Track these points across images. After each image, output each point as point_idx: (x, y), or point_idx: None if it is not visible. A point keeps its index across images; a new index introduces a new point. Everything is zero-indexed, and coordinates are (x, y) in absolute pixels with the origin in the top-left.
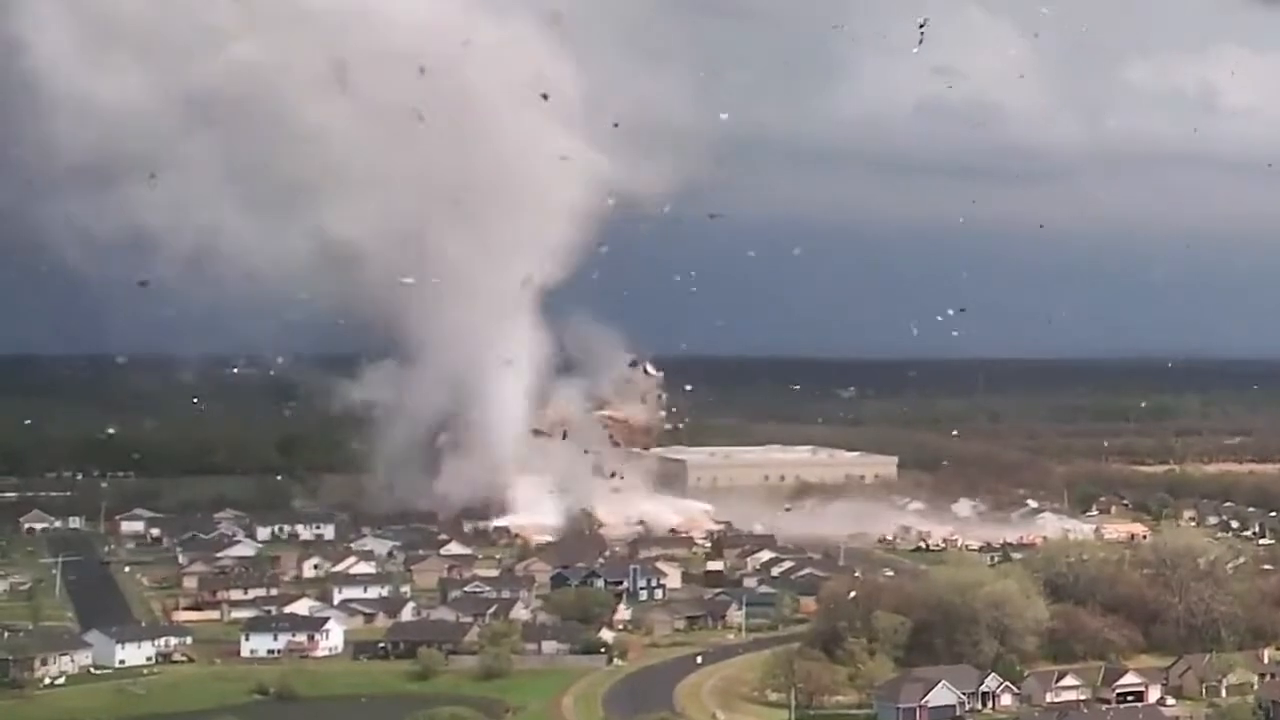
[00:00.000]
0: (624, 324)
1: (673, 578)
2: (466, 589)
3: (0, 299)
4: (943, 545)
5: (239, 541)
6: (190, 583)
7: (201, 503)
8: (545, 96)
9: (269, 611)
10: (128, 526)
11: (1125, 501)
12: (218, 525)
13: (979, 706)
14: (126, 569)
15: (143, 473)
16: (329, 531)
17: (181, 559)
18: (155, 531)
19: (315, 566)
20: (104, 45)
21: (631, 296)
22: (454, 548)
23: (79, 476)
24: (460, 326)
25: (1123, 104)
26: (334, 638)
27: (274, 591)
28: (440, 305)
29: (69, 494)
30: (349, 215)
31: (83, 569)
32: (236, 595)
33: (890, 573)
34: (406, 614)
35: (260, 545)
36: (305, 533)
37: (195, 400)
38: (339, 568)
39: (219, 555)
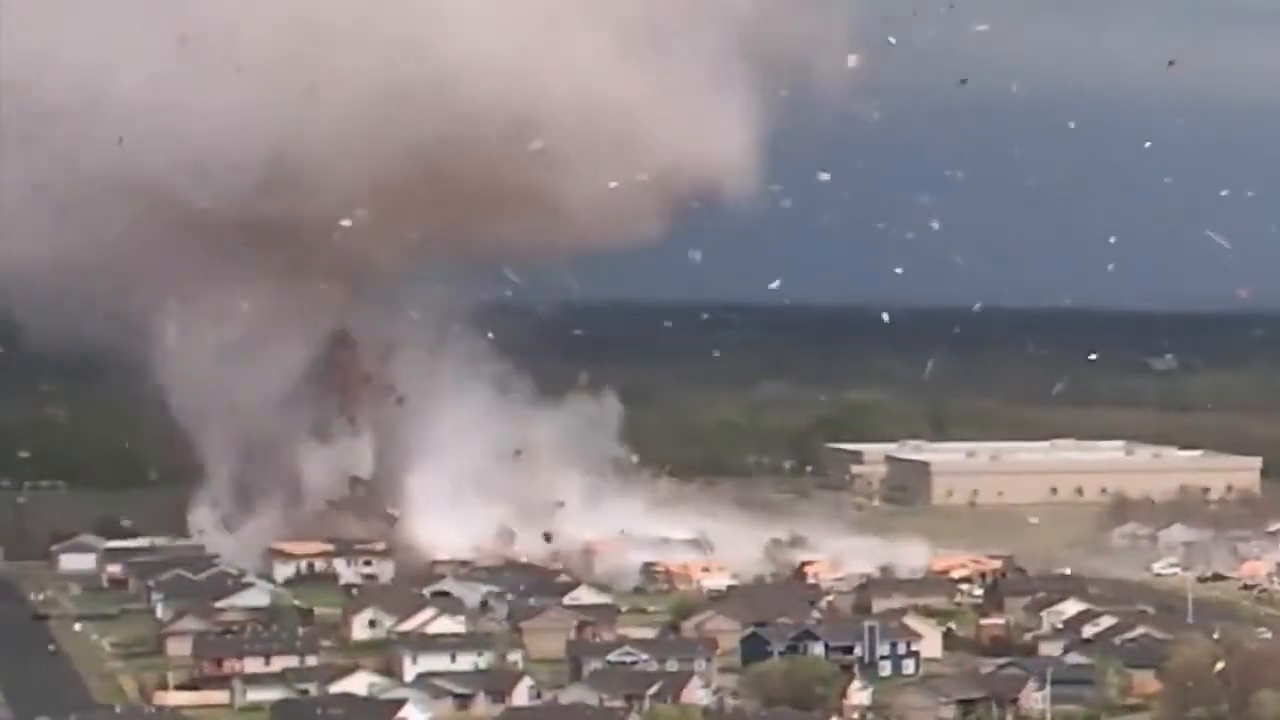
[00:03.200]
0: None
1: (930, 641)
2: (610, 658)
3: None
4: None
5: (249, 584)
6: (179, 647)
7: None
8: None
9: (305, 692)
10: (70, 561)
11: None
12: (215, 560)
13: None
14: (76, 626)
15: (80, 482)
16: (385, 570)
17: (162, 611)
18: (115, 569)
19: (371, 623)
20: None
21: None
22: (583, 594)
23: None
24: None
25: None
26: None
27: (311, 661)
28: None
29: None
30: None
31: (5, 627)
32: (253, 667)
33: (1268, 634)
34: (521, 696)
35: (280, 589)
36: (348, 571)
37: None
38: (408, 625)
39: (220, 605)
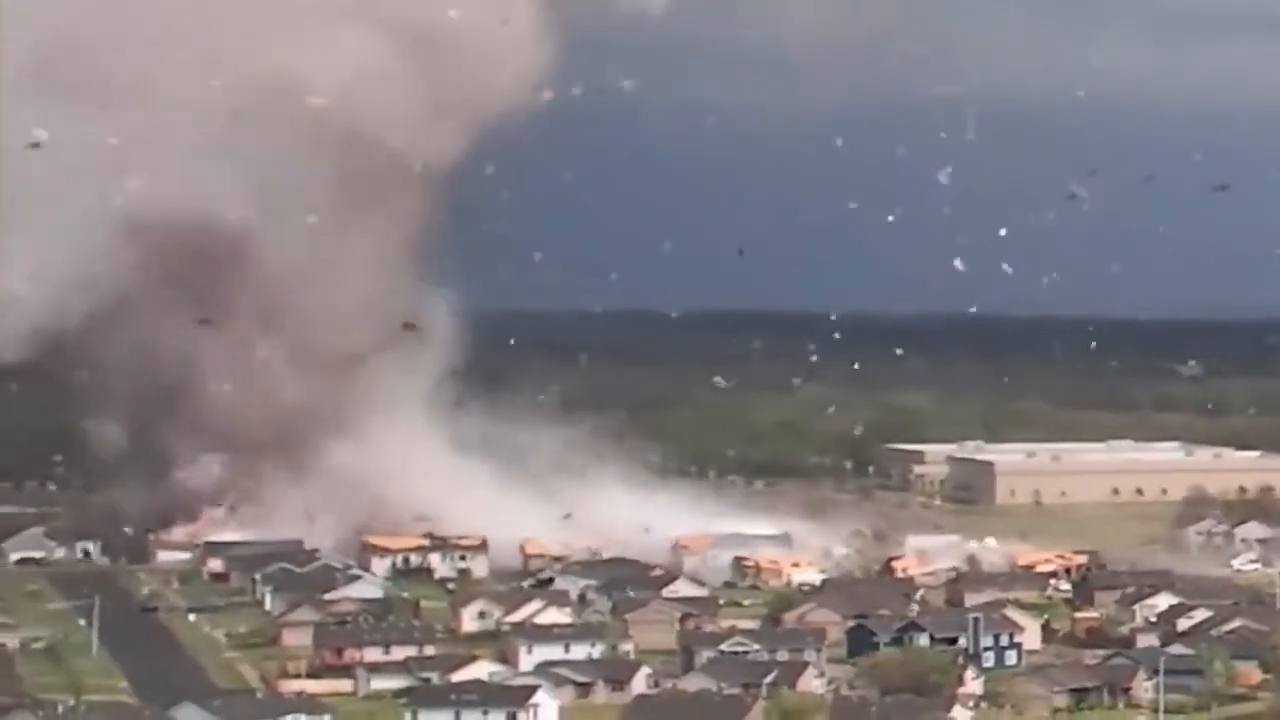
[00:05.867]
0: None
1: (1030, 633)
2: (723, 647)
3: None
4: None
5: (357, 576)
6: (294, 638)
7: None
8: None
9: (427, 680)
10: (166, 556)
11: None
12: (315, 553)
13: None
14: (190, 618)
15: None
16: (479, 564)
17: (271, 604)
18: (216, 564)
19: (481, 614)
20: None
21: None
22: (681, 587)
23: (47, 486)
24: None
25: None
26: (547, 717)
27: (429, 650)
28: None
29: (60, 510)
30: None
31: (117, 619)
32: (372, 656)
33: None
34: (639, 684)
35: (387, 582)
36: (443, 566)
37: None
38: (516, 616)
39: (330, 598)
